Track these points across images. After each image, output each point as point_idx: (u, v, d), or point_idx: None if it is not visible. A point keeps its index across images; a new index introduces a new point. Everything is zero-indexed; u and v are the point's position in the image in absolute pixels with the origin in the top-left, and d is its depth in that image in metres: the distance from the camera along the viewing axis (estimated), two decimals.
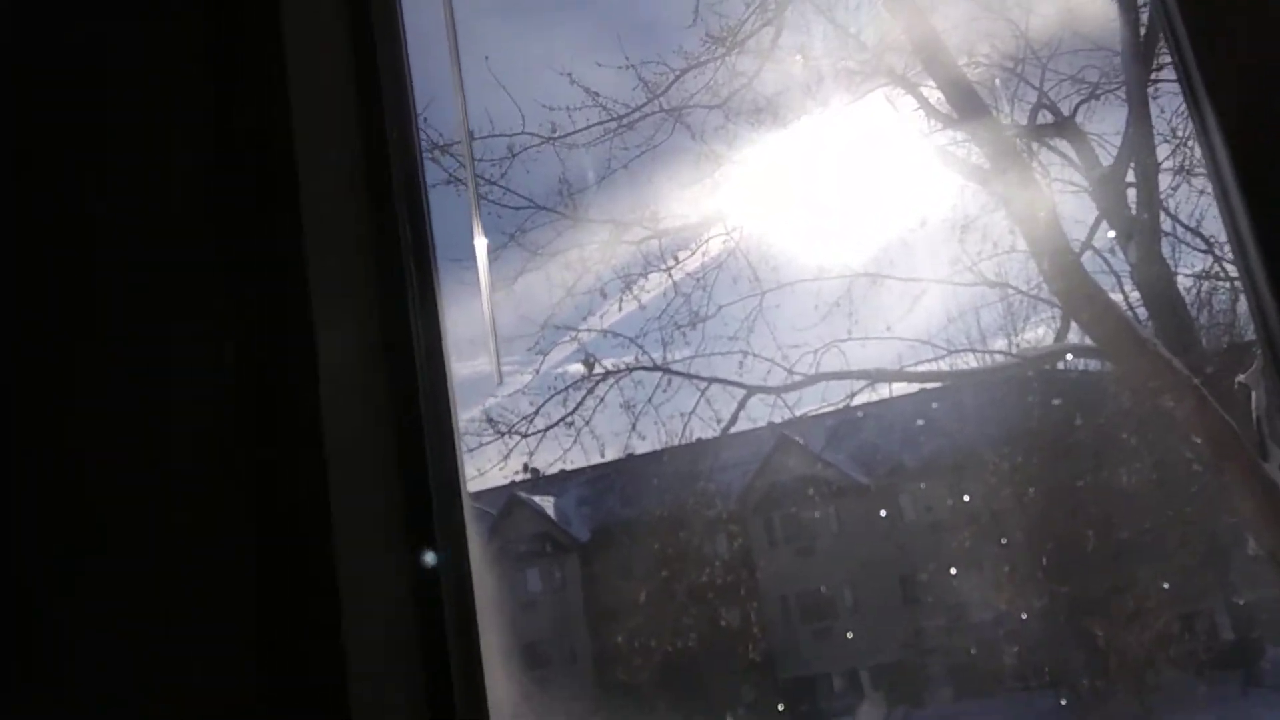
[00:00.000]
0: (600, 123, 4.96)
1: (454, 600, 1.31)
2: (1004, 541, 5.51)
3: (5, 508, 1.27)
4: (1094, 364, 5.28)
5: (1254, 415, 4.32)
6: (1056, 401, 5.36)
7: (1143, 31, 4.48)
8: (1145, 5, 4.38)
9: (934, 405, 5.81)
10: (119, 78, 1.43)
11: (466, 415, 5.01)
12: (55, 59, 1.45)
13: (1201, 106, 1.26)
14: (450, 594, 1.30)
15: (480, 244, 1.61)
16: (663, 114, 4.95)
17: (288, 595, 1.22)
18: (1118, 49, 4.68)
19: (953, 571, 5.72)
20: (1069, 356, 5.18)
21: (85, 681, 1.23)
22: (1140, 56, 4.45)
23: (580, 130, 4.97)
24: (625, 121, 4.95)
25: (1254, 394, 4.29)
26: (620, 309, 5.12)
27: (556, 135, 4.98)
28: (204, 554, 1.23)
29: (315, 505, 1.25)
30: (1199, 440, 4.37)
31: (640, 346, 5.12)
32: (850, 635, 6.07)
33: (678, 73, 4.92)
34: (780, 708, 6.07)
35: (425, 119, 4.01)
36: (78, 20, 1.46)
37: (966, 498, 5.70)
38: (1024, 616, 5.44)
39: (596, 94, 4.97)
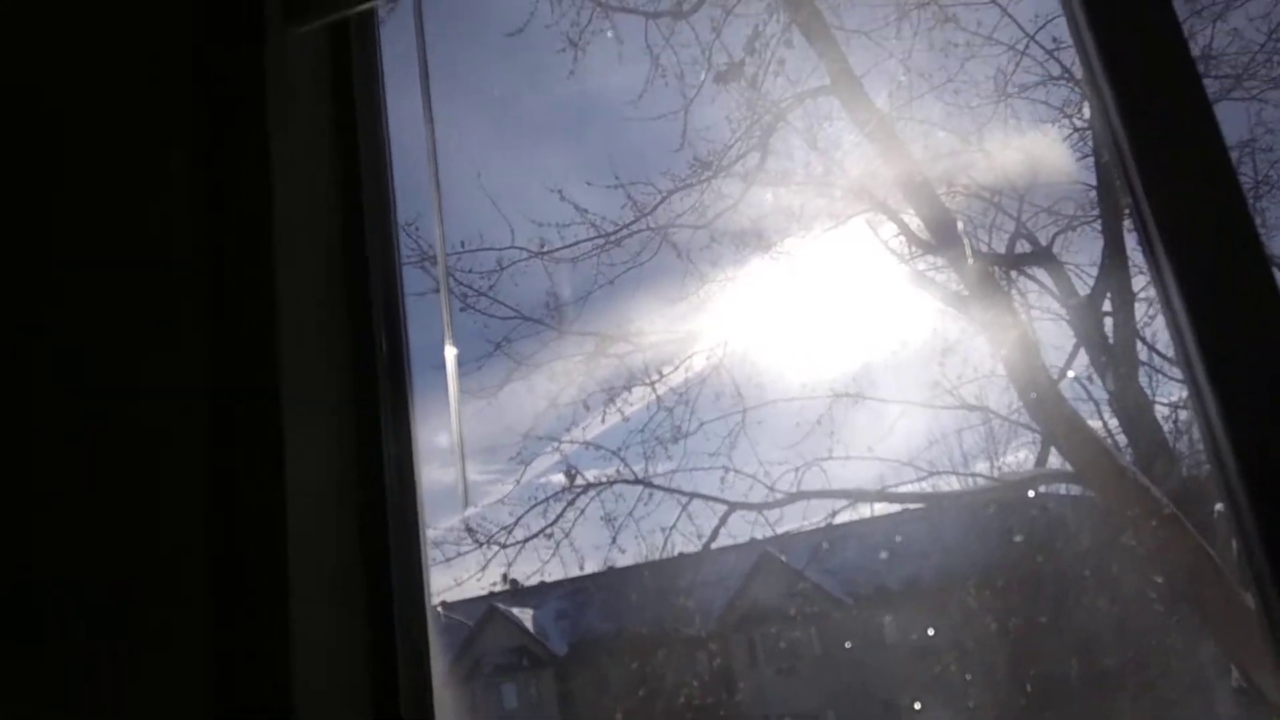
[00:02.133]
0: (588, 239, 5.08)
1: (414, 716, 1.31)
2: (990, 666, 5.44)
3: None
4: (1076, 489, 5.30)
5: (1233, 545, 4.32)
6: (1040, 522, 5.35)
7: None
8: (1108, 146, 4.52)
9: (918, 526, 5.79)
10: (111, 186, 1.49)
11: (446, 524, 4.99)
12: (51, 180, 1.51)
13: (1155, 249, 1.32)
14: (409, 707, 1.30)
15: (450, 355, 1.65)
16: (649, 232, 5.07)
17: (246, 696, 1.23)
18: (1093, 183, 4.84)
19: (937, 697, 5.62)
20: (1049, 485, 5.20)
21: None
22: (1112, 192, 4.59)
23: (568, 246, 5.09)
24: (613, 239, 5.06)
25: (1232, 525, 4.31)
26: (603, 421, 5.15)
27: (545, 250, 5.09)
28: (159, 671, 1.24)
29: (275, 617, 1.26)
30: (1174, 571, 4.36)
31: (622, 459, 5.14)
32: None
33: (665, 194, 5.06)
34: None
35: (417, 228, 4.11)
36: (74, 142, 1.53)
37: (950, 621, 5.64)
38: None
39: (585, 210, 5.11)
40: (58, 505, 1.33)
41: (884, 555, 5.74)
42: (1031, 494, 5.32)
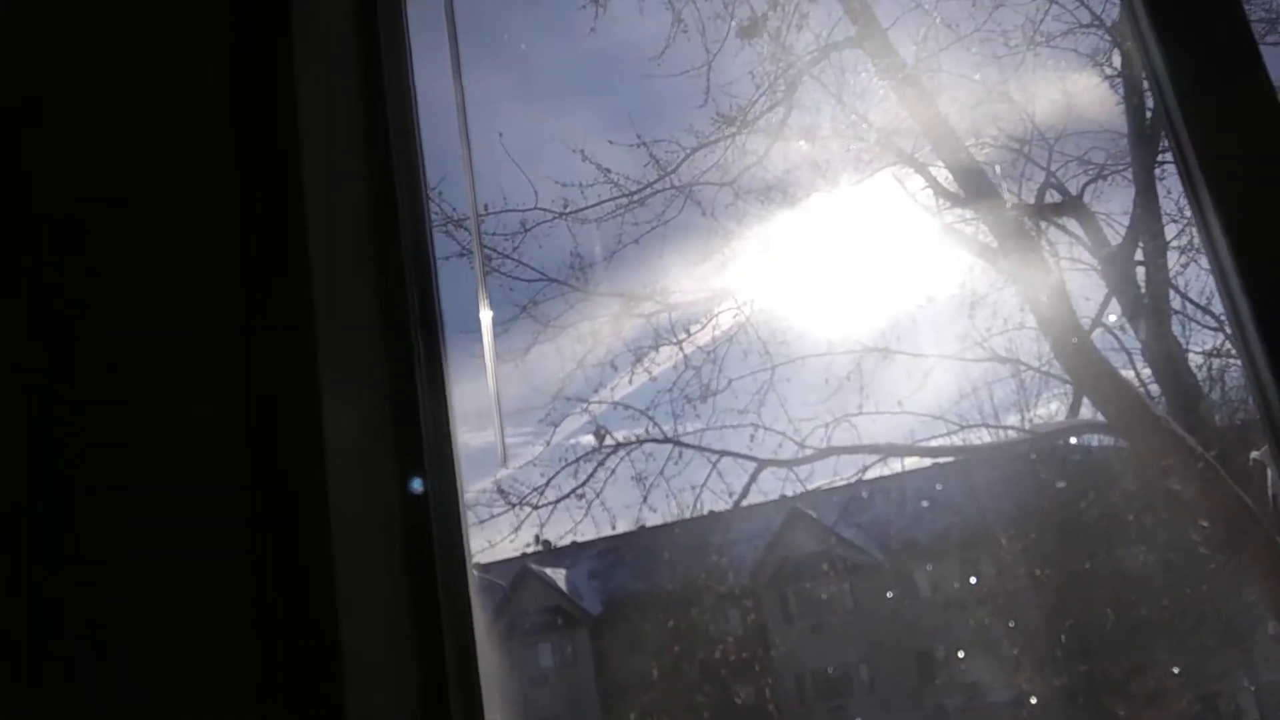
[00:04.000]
0: (612, 199, 5.06)
1: (458, 675, 1.32)
2: (1020, 619, 5.44)
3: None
4: (1108, 440, 5.27)
5: (1270, 492, 4.28)
6: (1071, 478, 5.32)
7: (1148, 115, 4.55)
8: (1149, 90, 4.46)
9: (946, 481, 5.78)
10: (140, 142, 1.49)
11: (478, 486, 5.03)
12: (89, 135, 1.51)
13: (1199, 194, 1.30)
14: (454, 665, 1.31)
15: (486, 317, 1.64)
16: (673, 191, 5.04)
17: (292, 663, 1.24)
18: (1124, 131, 4.76)
19: (969, 650, 5.64)
20: (1081, 435, 5.17)
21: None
22: (1146, 138, 4.52)
23: (592, 206, 5.07)
24: (636, 198, 5.04)
25: (1269, 471, 4.27)
26: (631, 382, 5.15)
27: (569, 210, 5.07)
28: (208, 629, 1.25)
29: (320, 581, 1.27)
30: (1212, 519, 4.34)
31: (651, 419, 5.15)
32: (867, 714, 5.97)
33: (689, 151, 5.02)
34: None
35: (440, 193, 4.11)
36: (113, 85, 1.52)
37: (981, 575, 5.64)
38: (1043, 696, 5.34)
39: (608, 170, 5.08)
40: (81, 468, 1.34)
41: (924, 504, 5.73)
42: (1063, 445, 5.29)
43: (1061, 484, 5.34)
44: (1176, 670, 5.17)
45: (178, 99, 1.50)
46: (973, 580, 5.68)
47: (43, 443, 1.37)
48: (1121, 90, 4.64)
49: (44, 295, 1.42)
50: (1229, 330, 4.98)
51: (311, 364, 1.33)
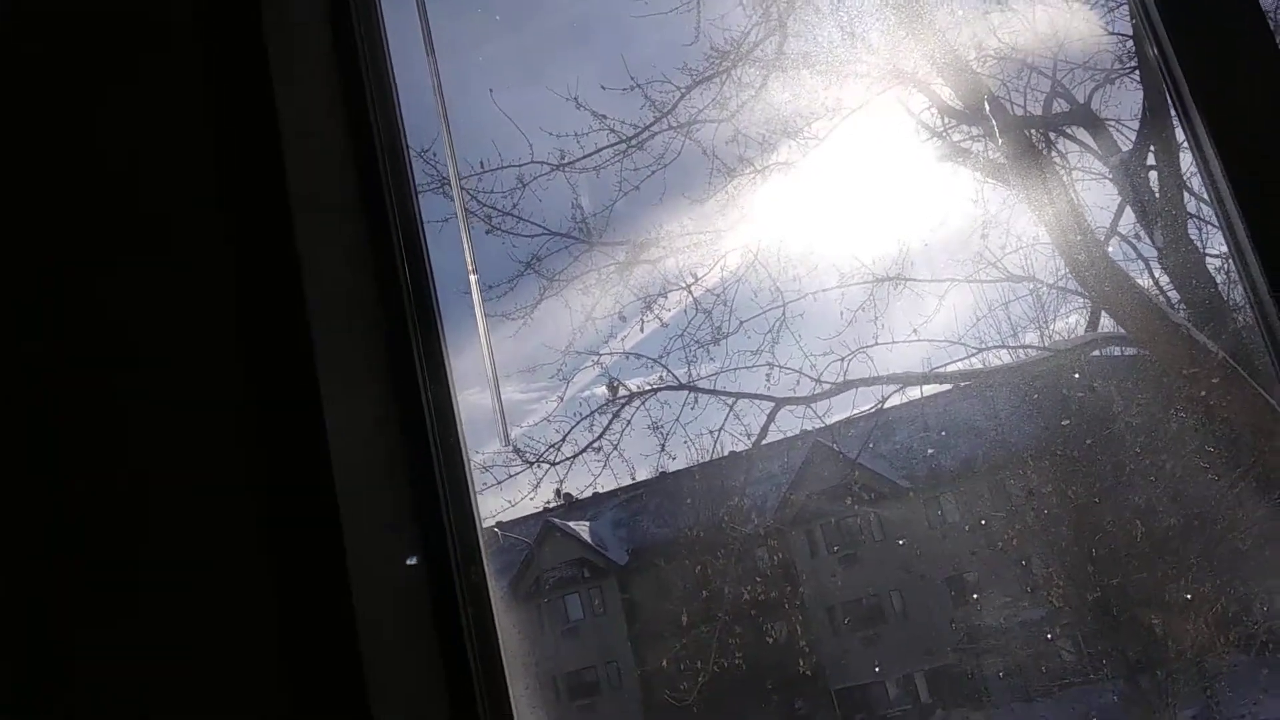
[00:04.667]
0: (609, 145, 4.96)
1: (481, 659, 1.28)
2: (1050, 537, 5.41)
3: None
4: (1130, 351, 5.20)
5: None
6: (1095, 389, 5.26)
7: None
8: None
9: (968, 404, 5.73)
10: (117, 132, 1.43)
11: (492, 448, 4.99)
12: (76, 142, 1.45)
13: (1191, 117, 1.22)
14: (475, 654, 1.27)
15: (473, 280, 1.59)
16: (671, 131, 4.94)
17: (310, 637, 1.21)
18: (1129, 33, 4.62)
19: (1000, 571, 5.63)
20: (1103, 348, 5.10)
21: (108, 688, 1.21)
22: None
23: (589, 155, 4.97)
24: (634, 142, 4.94)
25: None
26: (642, 330, 5.10)
27: (566, 161, 4.98)
28: (226, 586, 1.21)
29: (331, 561, 1.22)
30: (1238, 422, 4.28)
31: (664, 366, 5.10)
32: (901, 641, 5.98)
33: (684, 89, 4.91)
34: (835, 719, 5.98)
35: (433, 154, 4.02)
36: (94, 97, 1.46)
37: (1008, 495, 5.61)
38: (1077, 612, 5.33)
39: (604, 116, 4.97)
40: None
41: (945, 431, 5.69)
42: (1084, 359, 5.23)
43: (1084, 399, 5.28)
44: (1209, 575, 5.15)
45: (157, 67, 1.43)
46: (998, 501, 5.65)
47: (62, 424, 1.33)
48: None
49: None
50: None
51: (308, 351, 1.28)
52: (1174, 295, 4.70)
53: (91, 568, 1.25)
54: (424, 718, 1.21)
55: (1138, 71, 4.65)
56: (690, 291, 5.02)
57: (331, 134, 1.42)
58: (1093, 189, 4.77)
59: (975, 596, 5.83)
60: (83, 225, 1.37)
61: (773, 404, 4.96)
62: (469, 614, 1.28)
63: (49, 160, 1.42)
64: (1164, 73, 1.18)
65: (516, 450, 5.06)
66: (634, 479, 5.18)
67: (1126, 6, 4.51)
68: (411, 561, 1.25)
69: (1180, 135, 4.66)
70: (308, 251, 1.28)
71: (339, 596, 1.16)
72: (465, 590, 1.26)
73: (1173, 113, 1.10)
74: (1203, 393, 4.47)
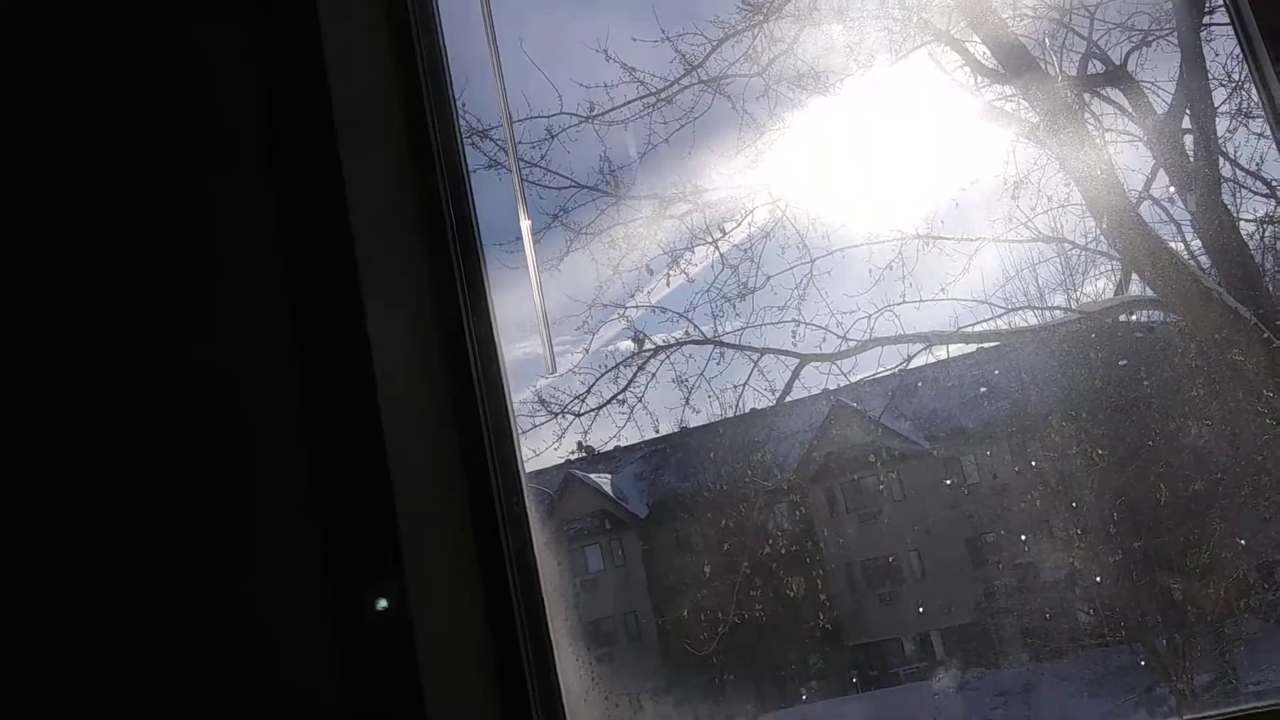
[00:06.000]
0: (639, 98, 4.94)
1: (520, 587, 1.31)
2: (1071, 500, 5.42)
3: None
4: (1158, 316, 5.16)
5: None
6: (1122, 361, 5.24)
7: None
8: None
9: (993, 366, 5.72)
10: (159, 56, 1.44)
11: (519, 398, 5.00)
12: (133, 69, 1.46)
13: (1257, 50, 1.21)
14: (516, 580, 1.30)
15: (525, 226, 1.60)
16: (701, 85, 4.92)
17: (356, 578, 1.23)
18: None
19: (1020, 533, 5.64)
20: (1133, 310, 5.08)
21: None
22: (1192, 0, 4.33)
23: (619, 107, 4.96)
24: (664, 95, 4.92)
25: None
26: (668, 284, 5.10)
27: (595, 114, 4.97)
28: (272, 540, 1.25)
29: (378, 488, 1.25)
30: (1267, 388, 4.26)
31: (690, 320, 5.11)
32: (919, 600, 6.02)
33: (715, 43, 4.87)
34: (852, 674, 6.04)
35: (464, 104, 4.01)
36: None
37: (1031, 458, 5.61)
38: (1097, 574, 5.35)
39: (634, 69, 4.95)
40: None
41: (971, 392, 5.68)
42: (1112, 323, 5.20)
43: (1114, 363, 5.26)
44: (1231, 542, 5.15)
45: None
46: (1020, 464, 5.65)
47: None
48: None
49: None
50: None
51: (355, 287, 1.30)
52: (1205, 261, 4.67)
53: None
54: (465, 646, 1.24)
55: (1175, 34, 4.59)
56: (717, 247, 5.03)
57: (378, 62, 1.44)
58: (1126, 151, 4.72)
59: (994, 558, 5.85)
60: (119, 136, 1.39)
61: (797, 360, 4.97)
62: (510, 546, 1.31)
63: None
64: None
65: (541, 400, 5.10)
66: (657, 432, 5.22)
67: None
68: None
69: (1217, 100, 4.61)
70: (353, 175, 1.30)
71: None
72: (507, 522, 1.29)
73: (1241, 49, 1.10)
74: (1234, 357, 4.45)
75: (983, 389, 5.73)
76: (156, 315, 1.32)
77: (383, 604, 1.18)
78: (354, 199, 1.30)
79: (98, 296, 1.33)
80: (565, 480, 6.23)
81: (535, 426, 5.13)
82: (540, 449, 5.21)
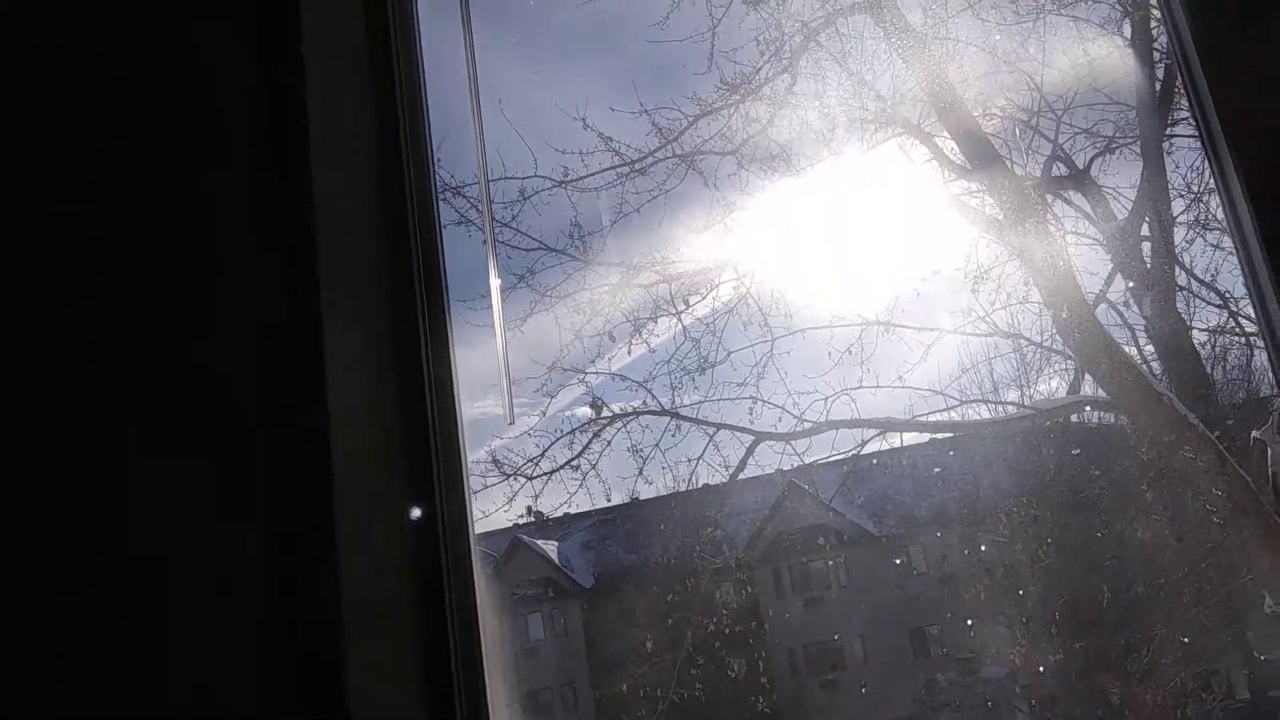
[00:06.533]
0: (613, 167, 4.99)
1: (460, 637, 1.27)
2: (1015, 596, 5.42)
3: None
4: (1109, 417, 5.24)
5: (1270, 470, 4.26)
6: (1075, 452, 5.29)
7: (1158, 86, 4.49)
8: (1161, 60, 4.39)
9: (945, 456, 5.75)
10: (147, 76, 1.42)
11: (473, 457, 4.98)
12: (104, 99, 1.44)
13: (1221, 157, 1.24)
14: (457, 633, 1.26)
15: (495, 283, 1.59)
16: (675, 159, 4.98)
17: (296, 610, 1.19)
18: (1133, 103, 4.70)
19: (963, 626, 5.63)
20: (1085, 409, 5.14)
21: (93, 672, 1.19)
22: (1156, 110, 4.46)
23: (593, 174, 5.00)
24: (638, 166, 4.97)
25: (1270, 449, 4.25)
26: (629, 353, 5.10)
27: (569, 179, 5.00)
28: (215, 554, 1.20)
29: (320, 533, 1.22)
30: (1218, 494, 4.32)
31: (649, 390, 5.10)
32: (861, 687, 5.96)
33: (691, 119, 4.95)
34: None
35: (439, 160, 4.02)
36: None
37: (977, 551, 5.62)
38: (1039, 671, 5.33)
39: (610, 138, 5.00)
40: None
41: (922, 479, 5.70)
42: (1063, 421, 5.26)
43: (1060, 460, 5.31)
44: (1172, 648, 5.16)
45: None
46: (968, 555, 5.66)
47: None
48: (1132, 61, 4.58)
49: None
50: (1233, 307, 4.95)
51: (316, 322, 1.28)
52: (1157, 366, 4.75)
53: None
54: (398, 691, 1.20)
55: (1139, 143, 4.73)
56: (680, 319, 5.04)
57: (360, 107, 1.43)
58: (1086, 253, 4.83)
59: (937, 649, 5.83)
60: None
61: (753, 438, 4.97)
62: (454, 610, 1.27)
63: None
64: (1193, 104, 1.19)
65: (495, 461, 5.05)
66: (609, 501, 5.17)
67: (1134, 75, 4.58)
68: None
69: (1176, 209, 4.74)
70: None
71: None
72: (450, 563, 1.26)
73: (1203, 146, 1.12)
74: (1179, 464, 4.51)
75: (933, 478, 5.76)
76: (156, 315, 1.29)
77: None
78: (324, 238, 1.28)
79: (98, 296, 1.30)
80: (512, 544, 6.15)
81: (486, 488, 5.06)
82: (490, 510, 5.14)
